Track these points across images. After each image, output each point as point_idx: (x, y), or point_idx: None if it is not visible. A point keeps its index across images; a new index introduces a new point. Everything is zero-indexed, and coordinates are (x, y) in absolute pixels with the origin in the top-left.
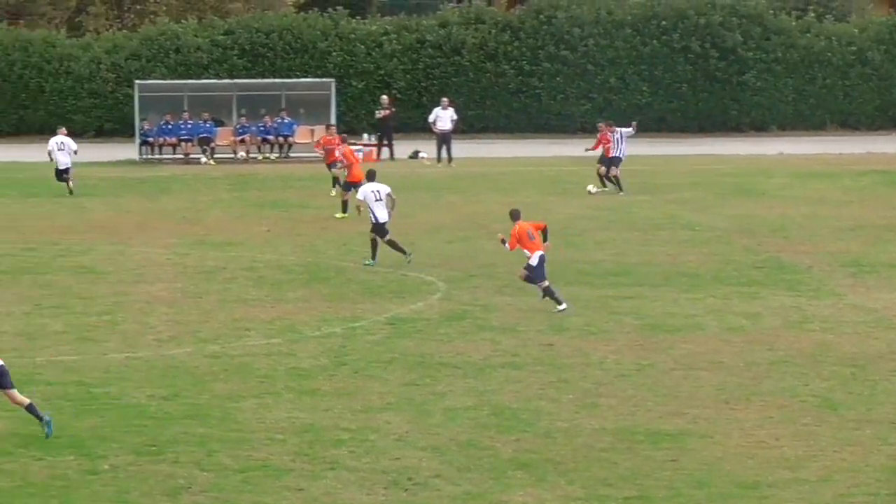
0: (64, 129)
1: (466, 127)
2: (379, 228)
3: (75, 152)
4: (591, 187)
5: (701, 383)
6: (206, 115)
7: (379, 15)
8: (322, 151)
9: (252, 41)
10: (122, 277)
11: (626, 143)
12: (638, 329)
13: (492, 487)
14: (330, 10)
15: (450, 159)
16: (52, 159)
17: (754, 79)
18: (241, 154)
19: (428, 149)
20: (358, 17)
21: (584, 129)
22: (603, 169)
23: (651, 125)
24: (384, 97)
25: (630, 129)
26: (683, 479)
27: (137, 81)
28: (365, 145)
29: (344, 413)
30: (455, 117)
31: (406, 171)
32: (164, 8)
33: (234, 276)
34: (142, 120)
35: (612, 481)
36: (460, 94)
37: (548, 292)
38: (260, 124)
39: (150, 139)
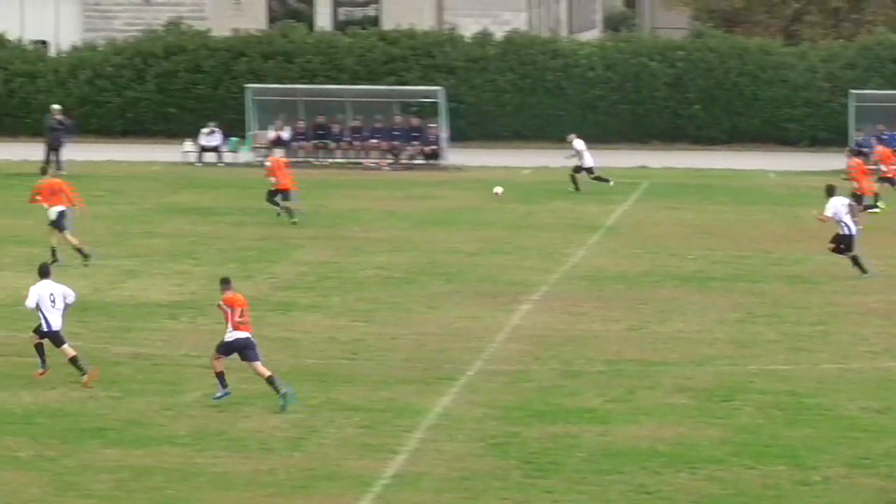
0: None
1: None
2: (845, 240)
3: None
4: None
5: None
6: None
7: None
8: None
9: None
10: (835, 287)
11: None
12: None
13: None
14: None
15: None
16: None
17: None
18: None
19: None
20: None
21: None
22: None
23: None
24: None
25: None
26: None
27: (853, 91)
28: None
29: None
30: None
31: None
32: (883, 18)
33: None
34: (857, 130)
35: None
36: None
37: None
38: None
39: (866, 150)
